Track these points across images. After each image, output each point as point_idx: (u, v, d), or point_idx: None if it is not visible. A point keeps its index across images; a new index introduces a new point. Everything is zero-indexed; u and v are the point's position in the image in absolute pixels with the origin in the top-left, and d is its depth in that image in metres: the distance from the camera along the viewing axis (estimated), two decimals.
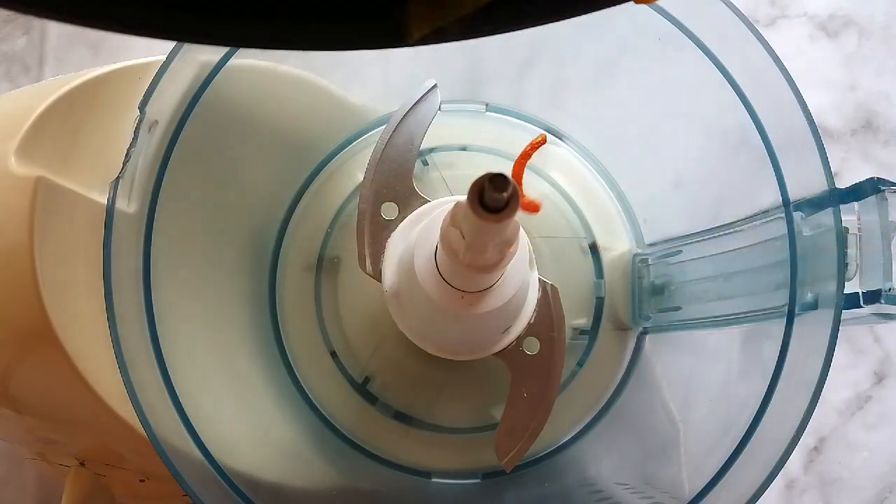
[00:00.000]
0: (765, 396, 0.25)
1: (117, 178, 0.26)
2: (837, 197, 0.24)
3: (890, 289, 0.22)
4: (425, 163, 0.36)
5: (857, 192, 0.23)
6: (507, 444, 0.30)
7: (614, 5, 0.14)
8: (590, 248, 0.36)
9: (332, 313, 0.36)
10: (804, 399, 0.24)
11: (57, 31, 0.46)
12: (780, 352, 0.25)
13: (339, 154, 0.37)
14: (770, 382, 0.25)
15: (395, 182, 0.31)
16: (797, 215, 0.25)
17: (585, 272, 0.36)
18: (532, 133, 0.37)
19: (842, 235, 0.24)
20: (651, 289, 0.34)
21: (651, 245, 0.36)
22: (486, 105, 0.37)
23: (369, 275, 0.30)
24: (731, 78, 0.27)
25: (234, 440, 0.29)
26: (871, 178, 0.23)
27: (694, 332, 0.33)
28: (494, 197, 0.18)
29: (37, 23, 0.46)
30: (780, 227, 0.26)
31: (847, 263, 0.23)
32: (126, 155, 0.26)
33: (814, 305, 0.25)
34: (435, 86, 0.31)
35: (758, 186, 0.27)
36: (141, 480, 0.32)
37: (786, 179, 0.26)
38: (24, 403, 0.30)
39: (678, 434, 0.31)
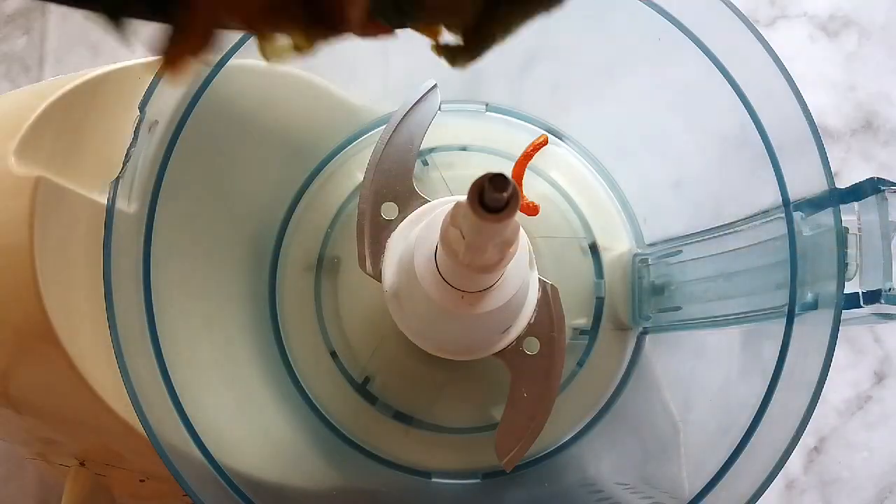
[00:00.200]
0: (765, 396, 0.25)
1: (117, 178, 0.26)
2: (837, 197, 0.24)
3: (890, 289, 0.22)
4: (425, 163, 0.36)
5: (857, 192, 0.23)
6: (507, 444, 0.30)
7: None
8: (590, 248, 0.36)
9: (332, 313, 0.36)
10: (804, 399, 0.23)
11: (57, 32, 0.46)
12: (780, 352, 0.25)
13: (339, 154, 0.37)
14: (770, 382, 0.25)
15: (395, 182, 0.31)
16: (797, 215, 0.25)
17: (585, 272, 0.36)
18: (532, 133, 0.37)
19: (842, 235, 0.24)
20: (651, 289, 0.34)
21: (651, 245, 0.36)
22: (486, 105, 0.37)
23: (369, 275, 0.30)
24: (731, 78, 0.27)
25: (234, 440, 0.29)
26: (871, 178, 0.23)
27: (694, 332, 0.33)
28: (494, 197, 0.18)
29: (37, 23, 0.46)
30: (780, 227, 0.26)
31: (847, 263, 0.23)
32: (126, 155, 0.26)
33: (814, 305, 0.25)
34: (435, 86, 0.31)
35: (758, 186, 0.27)
36: (141, 480, 0.32)
37: (786, 179, 0.26)
38: (24, 403, 0.30)
39: (678, 434, 0.31)
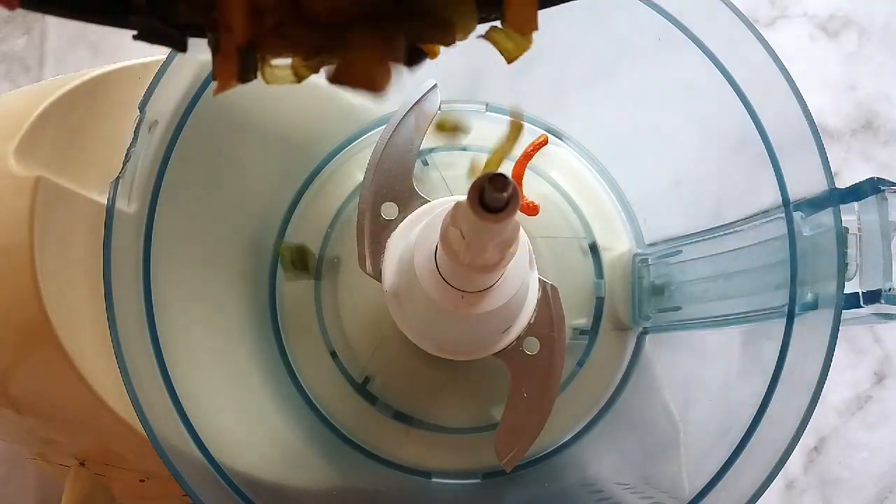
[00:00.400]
0: (765, 396, 0.25)
1: (117, 178, 0.26)
2: (837, 197, 0.24)
3: (890, 289, 0.22)
4: (425, 163, 0.36)
5: (857, 192, 0.23)
6: (507, 444, 0.30)
7: None
8: (590, 248, 0.36)
9: (332, 313, 0.36)
10: (804, 399, 0.23)
11: (57, 32, 0.46)
12: (780, 352, 0.25)
13: (339, 154, 0.37)
14: (770, 382, 0.25)
15: (395, 182, 0.31)
16: (797, 215, 0.25)
17: (585, 272, 0.36)
18: (532, 133, 0.37)
19: (842, 235, 0.24)
20: (651, 289, 0.34)
21: (651, 245, 0.36)
22: (486, 105, 0.37)
23: (369, 275, 0.30)
24: (731, 78, 0.27)
25: (234, 440, 0.29)
26: (871, 178, 0.23)
27: (694, 332, 0.33)
28: (494, 197, 0.18)
29: (37, 23, 0.46)
30: (780, 227, 0.26)
31: (847, 263, 0.23)
32: (126, 155, 0.26)
33: (814, 305, 0.25)
34: (435, 86, 0.31)
35: (758, 186, 0.27)
36: (141, 480, 0.32)
37: (786, 179, 0.26)
38: (24, 403, 0.30)
39: (678, 434, 0.31)
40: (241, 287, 0.35)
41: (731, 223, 0.29)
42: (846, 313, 0.23)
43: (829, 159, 0.25)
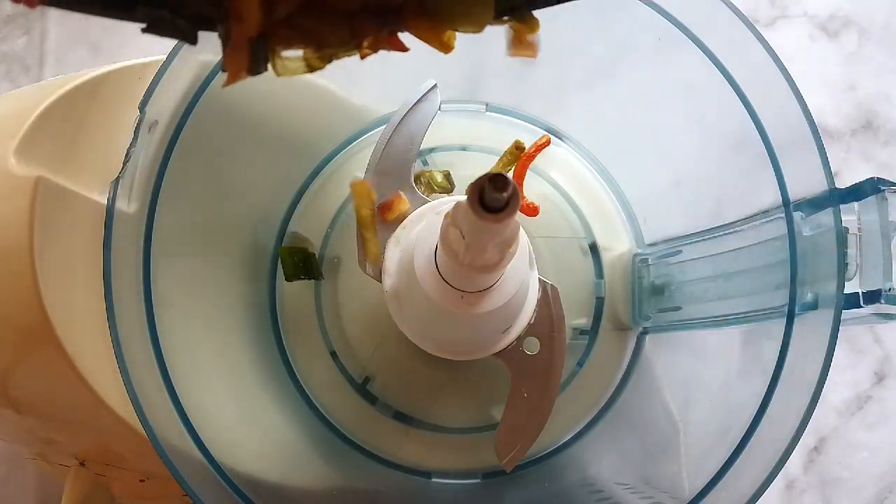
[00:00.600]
0: (765, 396, 0.25)
1: (117, 178, 0.26)
2: (837, 197, 0.24)
3: (890, 289, 0.22)
4: (425, 163, 0.36)
5: (857, 192, 0.23)
6: (507, 444, 0.30)
7: None
8: (590, 248, 0.36)
9: (332, 313, 0.36)
10: (804, 399, 0.23)
11: (57, 32, 0.46)
12: (780, 352, 0.25)
13: (339, 154, 0.37)
14: (770, 382, 0.25)
15: (395, 182, 0.31)
16: (797, 215, 0.25)
17: (585, 272, 0.36)
18: (532, 133, 0.37)
19: (842, 235, 0.24)
20: (651, 289, 0.34)
21: (651, 245, 0.36)
22: (486, 105, 0.37)
23: (369, 275, 0.30)
24: (731, 78, 0.27)
25: (234, 440, 0.29)
26: (871, 178, 0.23)
27: (694, 332, 0.33)
28: (494, 197, 0.18)
29: (37, 23, 0.46)
30: (780, 227, 0.26)
31: (847, 263, 0.23)
32: (126, 155, 0.26)
33: (814, 305, 0.24)
34: (435, 86, 0.31)
35: (758, 186, 0.27)
36: (141, 480, 0.32)
37: (786, 179, 0.26)
38: (24, 403, 0.30)
39: (678, 434, 0.31)
40: (241, 287, 0.35)
41: (731, 223, 0.29)
42: (846, 313, 0.23)
43: (829, 159, 0.25)
